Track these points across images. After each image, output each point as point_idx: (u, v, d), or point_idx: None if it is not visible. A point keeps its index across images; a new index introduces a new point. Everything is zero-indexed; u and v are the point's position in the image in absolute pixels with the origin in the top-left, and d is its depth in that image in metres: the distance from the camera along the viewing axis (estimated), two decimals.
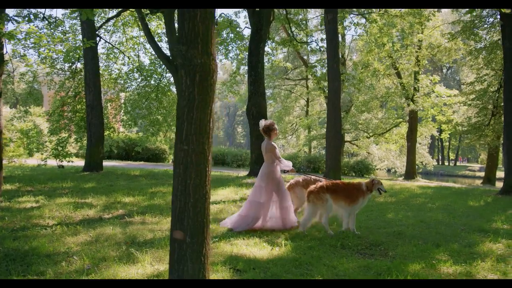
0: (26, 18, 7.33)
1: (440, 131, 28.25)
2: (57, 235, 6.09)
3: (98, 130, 15.36)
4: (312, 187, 7.03)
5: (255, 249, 5.74)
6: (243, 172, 17.83)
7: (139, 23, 16.76)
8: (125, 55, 19.49)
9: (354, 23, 22.37)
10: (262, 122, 7.38)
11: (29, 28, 8.41)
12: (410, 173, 26.31)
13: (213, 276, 4.43)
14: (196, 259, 3.33)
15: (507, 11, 13.63)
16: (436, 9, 20.65)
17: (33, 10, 9.58)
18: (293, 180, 8.02)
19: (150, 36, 15.96)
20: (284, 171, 7.45)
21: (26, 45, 10.84)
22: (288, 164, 7.35)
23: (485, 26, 16.97)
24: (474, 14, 17.63)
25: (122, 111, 19.47)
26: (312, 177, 8.10)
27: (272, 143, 7.26)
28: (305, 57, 29.21)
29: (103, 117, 16.21)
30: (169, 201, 9.56)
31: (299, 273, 4.79)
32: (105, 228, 6.62)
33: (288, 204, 7.22)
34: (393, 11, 21.62)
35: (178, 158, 3.35)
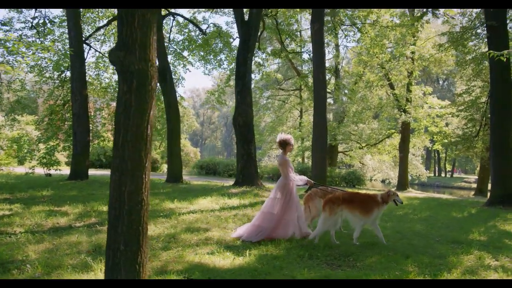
0: None
1: (433, 142, 28.27)
2: (20, 243, 6.02)
3: (84, 139, 15.30)
4: (329, 196, 7.13)
5: (218, 258, 5.67)
6: (231, 182, 17.75)
7: None
8: None
9: (346, 33, 22.46)
10: (280, 136, 7.49)
11: (8, 36, 8.41)
12: (402, 184, 26.25)
13: None
14: (130, 268, 3.27)
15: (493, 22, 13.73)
16: (426, 21, 20.72)
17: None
18: (312, 191, 8.09)
19: None
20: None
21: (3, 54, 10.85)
22: (302, 178, 7.38)
23: (473, 37, 17.01)
24: (460, 25, 17.74)
25: (112, 120, 19.41)
26: (329, 188, 8.20)
27: (286, 157, 7.34)
28: (299, 68, 29.26)
29: (90, 126, 16.16)
30: None
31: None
32: (72, 236, 6.55)
33: (290, 218, 7.21)
34: (384, 22, 21.70)
35: (114, 165, 3.31)
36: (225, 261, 5.57)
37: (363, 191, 8.17)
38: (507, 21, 14.65)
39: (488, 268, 5.83)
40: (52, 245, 6.00)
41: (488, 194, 23.55)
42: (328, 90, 29.63)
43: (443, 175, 65.41)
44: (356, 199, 7.07)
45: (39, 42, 16.38)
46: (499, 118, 14.26)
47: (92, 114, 18.65)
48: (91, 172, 18.69)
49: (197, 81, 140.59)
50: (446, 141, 25.40)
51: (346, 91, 27.49)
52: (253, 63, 23.30)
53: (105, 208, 9.43)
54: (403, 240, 7.45)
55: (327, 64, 31.72)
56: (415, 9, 21.63)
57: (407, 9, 22.23)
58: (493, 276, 5.48)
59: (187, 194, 12.52)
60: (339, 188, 8.46)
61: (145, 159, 3.33)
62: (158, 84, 17.54)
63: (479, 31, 16.90)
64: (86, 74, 18.76)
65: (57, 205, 9.56)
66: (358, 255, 6.33)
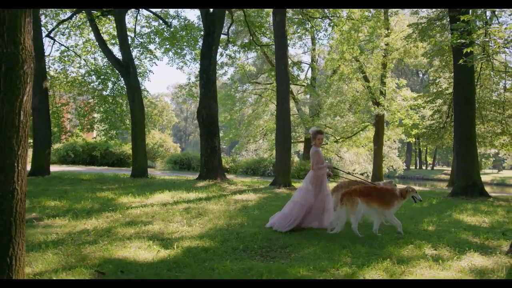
0: None
1: (407, 135, 28.41)
2: None
3: (44, 134, 14.98)
4: (346, 189, 7.30)
5: (143, 252, 5.53)
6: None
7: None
8: (80, 58, 19.14)
9: (317, 26, 22.31)
10: (311, 129, 7.77)
11: None
12: (377, 177, 26.26)
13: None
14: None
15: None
16: (394, 13, 20.72)
17: None
18: (340, 183, 8.36)
19: (99, 39, 15.79)
20: (328, 176, 7.68)
21: None
22: (324, 166, 7.55)
23: (438, 28, 17.04)
24: (427, 17, 17.76)
25: (79, 114, 19.06)
26: (357, 180, 8.50)
27: (316, 148, 7.47)
28: (274, 61, 29.03)
29: (51, 121, 15.84)
30: (97, 205, 9.32)
31: (166, 276, 4.59)
32: None
33: (329, 207, 7.48)
34: (357, 15, 21.57)
35: None
36: (148, 254, 5.42)
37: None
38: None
39: (423, 257, 5.77)
40: None
41: None
42: (303, 84, 29.65)
43: (424, 167, 65.99)
44: (374, 192, 7.20)
45: None
46: (462, 109, 14.35)
47: (59, 109, 18.35)
48: (60, 168, 18.37)
49: (181, 77, 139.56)
50: (415, 132, 25.47)
51: (319, 87, 27.43)
52: (224, 57, 23.16)
53: (52, 203, 9.22)
54: (349, 231, 7.36)
55: (304, 58, 31.75)
56: None
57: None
58: (423, 265, 5.42)
59: (147, 188, 12.32)
60: (367, 181, 8.65)
61: (17, 146, 3.18)
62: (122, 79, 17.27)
63: (445, 22, 16.91)
64: (51, 68, 18.49)
65: None
66: (295, 246, 6.26)
